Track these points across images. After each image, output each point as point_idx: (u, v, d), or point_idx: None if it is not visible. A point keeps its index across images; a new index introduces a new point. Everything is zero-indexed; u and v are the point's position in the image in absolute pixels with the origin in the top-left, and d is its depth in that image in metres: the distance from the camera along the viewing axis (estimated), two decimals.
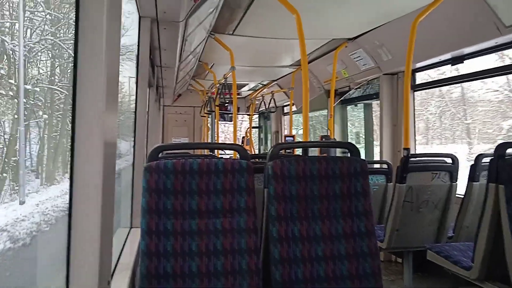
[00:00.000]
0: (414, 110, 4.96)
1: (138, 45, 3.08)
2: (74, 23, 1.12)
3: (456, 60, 4.08)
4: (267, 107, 8.92)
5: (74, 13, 1.11)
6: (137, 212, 2.68)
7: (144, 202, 1.98)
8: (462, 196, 3.39)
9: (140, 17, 3.01)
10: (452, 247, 2.93)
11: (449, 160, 3.50)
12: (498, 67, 3.86)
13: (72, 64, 1.12)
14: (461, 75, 4.36)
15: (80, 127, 1.09)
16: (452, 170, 3.44)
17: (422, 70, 4.72)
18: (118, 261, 2.14)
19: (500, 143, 2.48)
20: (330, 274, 2.05)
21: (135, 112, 3.07)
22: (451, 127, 9.99)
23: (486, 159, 3.08)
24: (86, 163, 1.09)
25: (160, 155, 2.32)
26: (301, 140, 5.57)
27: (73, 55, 1.12)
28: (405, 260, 3.68)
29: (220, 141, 8.89)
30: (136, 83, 3.09)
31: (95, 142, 1.10)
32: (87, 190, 1.09)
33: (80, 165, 1.09)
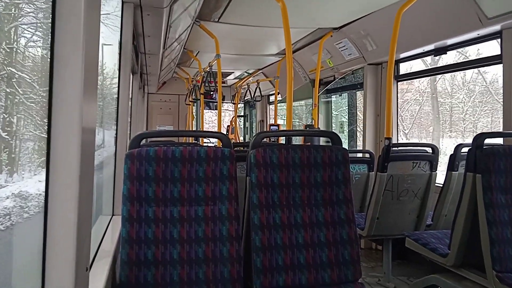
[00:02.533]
0: (397, 100, 5.02)
1: (121, 31, 3.02)
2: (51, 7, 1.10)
3: (439, 51, 4.13)
4: (252, 96, 8.91)
5: None
6: (119, 200, 2.66)
7: (125, 189, 1.98)
8: (441, 185, 3.46)
9: (123, 3, 2.96)
10: (430, 234, 3.00)
11: (429, 150, 3.57)
12: (479, 59, 3.92)
13: (49, 47, 1.10)
14: (444, 66, 4.41)
15: (56, 113, 1.08)
16: (432, 160, 3.50)
17: (406, 61, 4.76)
18: (98, 248, 2.13)
19: (478, 134, 2.53)
20: (310, 261, 2.08)
21: (117, 99, 3.04)
22: (484, 116, 9.24)
23: (465, 149, 3.15)
24: (63, 149, 1.08)
25: (144, 142, 2.31)
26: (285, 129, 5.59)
27: (49, 37, 1.10)
28: (384, 248, 3.76)
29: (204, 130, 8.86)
30: (119, 69, 3.05)
31: (72, 128, 1.09)
32: (64, 176, 1.08)
33: (57, 151, 1.08)
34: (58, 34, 1.09)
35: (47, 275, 1.10)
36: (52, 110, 1.08)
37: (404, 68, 4.95)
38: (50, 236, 1.09)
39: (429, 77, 8.53)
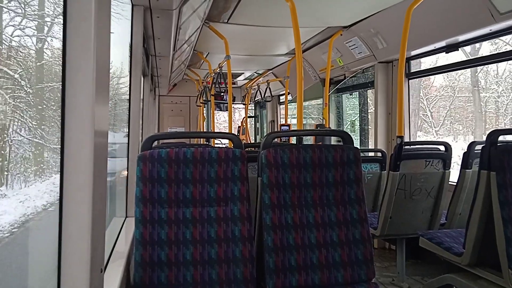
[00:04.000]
0: (408, 98, 4.97)
1: (131, 34, 3.05)
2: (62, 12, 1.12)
3: (451, 48, 4.08)
4: (262, 96, 8.91)
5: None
6: (132, 202, 2.69)
7: (138, 191, 1.99)
8: (455, 184, 3.42)
9: (132, 5, 2.99)
10: (444, 233, 2.96)
11: (442, 148, 3.53)
12: (492, 55, 3.86)
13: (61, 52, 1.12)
14: (458, 62, 4.36)
15: (69, 116, 1.09)
16: (445, 158, 3.46)
17: (417, 58, 4.72)
18: (112, 250, 2.15)
19: (492, 130, 2.49)
20: (323, 261, 2.07)
21: (129, 101, 3.07)
22: None
23: (479, 147, 3.10)
24: (77, 152, 1.10)
25: (155, 144, 2.32)
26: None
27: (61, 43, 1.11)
28: (398, 247, 3.73)
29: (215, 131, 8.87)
30: (130, 72, 3.08)
31: (85, 131, 1.10)
32: (78, 179, 1.09)
33: (71, 154, 1.10)
34: (70, 38, 1.10)
35: (62, 277, 1.12)
36: (65, 113, 1.10)
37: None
38: (65, 238, 1.10)
39: (467, 69, 8.22)
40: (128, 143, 3.00)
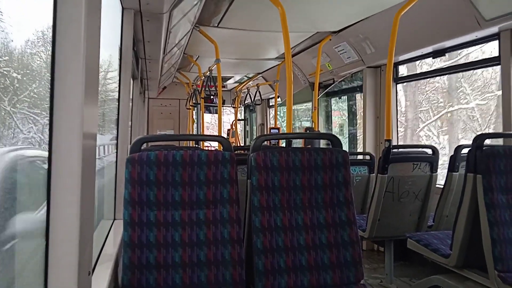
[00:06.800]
0: (396, 102, 5.03)
1: (121, 37, 3.05)
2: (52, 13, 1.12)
3: (438, 53, 4.15)
4: (252, 99, 8.93)
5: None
6: (121, 204, 2.68)
7: (126, 194, 1.99)
8: (442, 186, 3.47)
9: (123, 9, 2.98)
10: (432, 235, 3.00)
11: (429, 151, 3.57)
12: (478, 60, 3.94)
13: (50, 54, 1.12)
14: (443, 67, 4.44)
15: (57, 118, 1.09)
16: (432, 161, 3.51)
17: (404, 63, 4.78)
18: (100, 252, 2.14)
19: (478, 134, 2.54)
20: (312, 263, 2.09)
21: (118, 104, 3.06)
22: None
23: (466, 150, 3.15)
24: (65, 154, 1.09)
25: (145, 147, 2.32)
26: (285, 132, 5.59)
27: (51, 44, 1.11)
28: (386, 249, 3.76)
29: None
30: (119, 75, 3.07)
31: (73, 133, 1.10)
32: (66, 181, 1.09)
33: (59, 156, 1.10)
34: (59, 40, 1.11)
35: (49, 279, 1.11)
36: (53, 115, 1.10)
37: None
38: (53, 240, 1.10)
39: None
40: (117, 146, 2.99)
